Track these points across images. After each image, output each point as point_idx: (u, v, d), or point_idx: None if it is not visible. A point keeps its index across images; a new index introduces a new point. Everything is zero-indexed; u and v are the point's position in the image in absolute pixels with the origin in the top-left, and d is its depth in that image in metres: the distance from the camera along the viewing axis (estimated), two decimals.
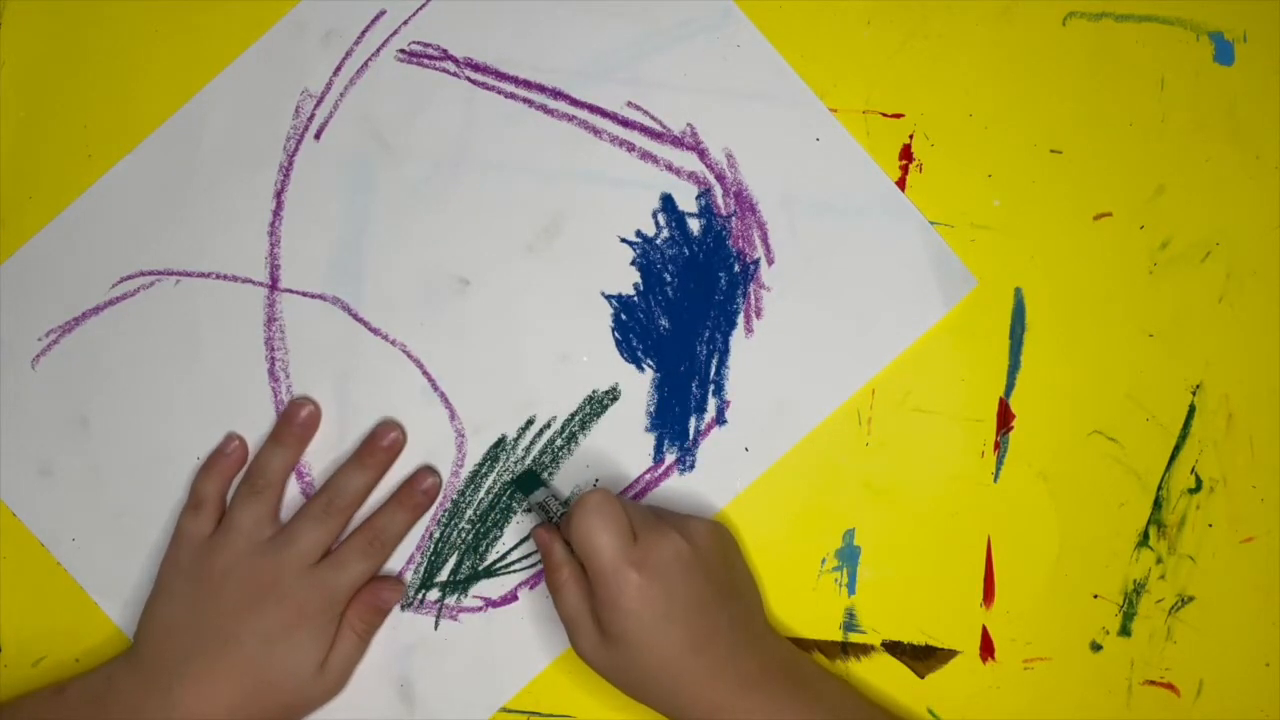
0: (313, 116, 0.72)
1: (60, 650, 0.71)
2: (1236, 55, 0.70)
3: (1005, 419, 0.70)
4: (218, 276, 0.71)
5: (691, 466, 0.70)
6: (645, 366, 0.71)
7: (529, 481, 0.69)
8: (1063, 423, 0.69)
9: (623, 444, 0.70)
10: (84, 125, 0.72)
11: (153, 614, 0.68)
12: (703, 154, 0.71)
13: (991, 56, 0.71)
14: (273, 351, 0.71)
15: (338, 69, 0.72)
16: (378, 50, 0.72)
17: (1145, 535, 0.69)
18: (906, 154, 0.71)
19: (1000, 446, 0.69)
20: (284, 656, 0.66)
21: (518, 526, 0.70)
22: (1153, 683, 0.69)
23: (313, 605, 0.66)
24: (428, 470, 0.70)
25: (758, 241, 0.71)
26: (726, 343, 0.71)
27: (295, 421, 0.70)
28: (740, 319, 0.71)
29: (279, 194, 0.71)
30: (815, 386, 0.70)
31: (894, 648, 0.69)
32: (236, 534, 0.67)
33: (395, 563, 0.70)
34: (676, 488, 0.70)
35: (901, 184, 0.70)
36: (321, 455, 0.71)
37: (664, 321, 0.71)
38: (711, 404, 0.70)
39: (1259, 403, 0.69)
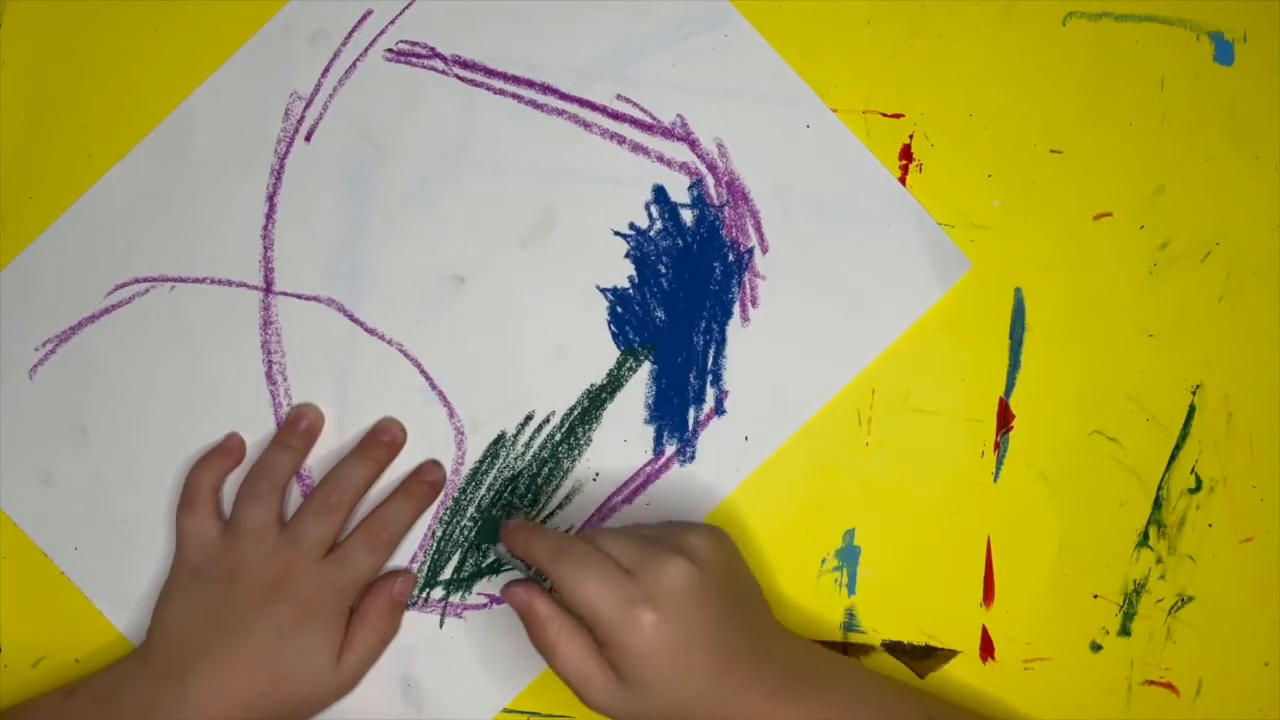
0: (303, 118, 0.70)
1: (60, 651, 0.69)
2: (1236, 55, 0.69)
3: (1005, 419, 0.68)
4: (212, 281, 0.69)
5: (692, 458, 0.68)
6: (643, 359, 0.68)
7: (494, 531, 0.67)
8: (1063, 423, 0.68)
9: (622, 437, 0.69)
10: (84, 125, 0.70)
11: (164, 612, 0.66)
12: (693, 144, 0.69)
13: (991, 56, 0.69)
14: (270, 355, 0.69)
15: (326, 70, 0.70)
16: (365, 50, 0.70)
17: (1145, 535, 0.67)
18: (906, 154, 0.69)
19: (1000, 446, 0.68)
20: (296, 651, 0.64)
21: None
22: (1152, 683, 0.67)
23: (321, 600, 0.64)
24: (432, 463, 0.68)
25: (751, 230, 0.69)
26: (723, 333, 0.69)
27: (299, 426, 0.68)
28: (736, 308, 0.69)
29: (271, 197, 0.70)
30: (814, 373, 0.68)
31: (894, 648, 0.68)
32: (243, 536, 0.65)
33: (398, 562, 0.68)
34: (677, 479, 0.68)
35: (901, 184, 0.69)
36: (321, 457, 0.69)
37: (660, 313, 0.69)
38: (710, 394, 0.69)
39: (1259, 403, 0.68)
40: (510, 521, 0.63)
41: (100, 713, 0.63)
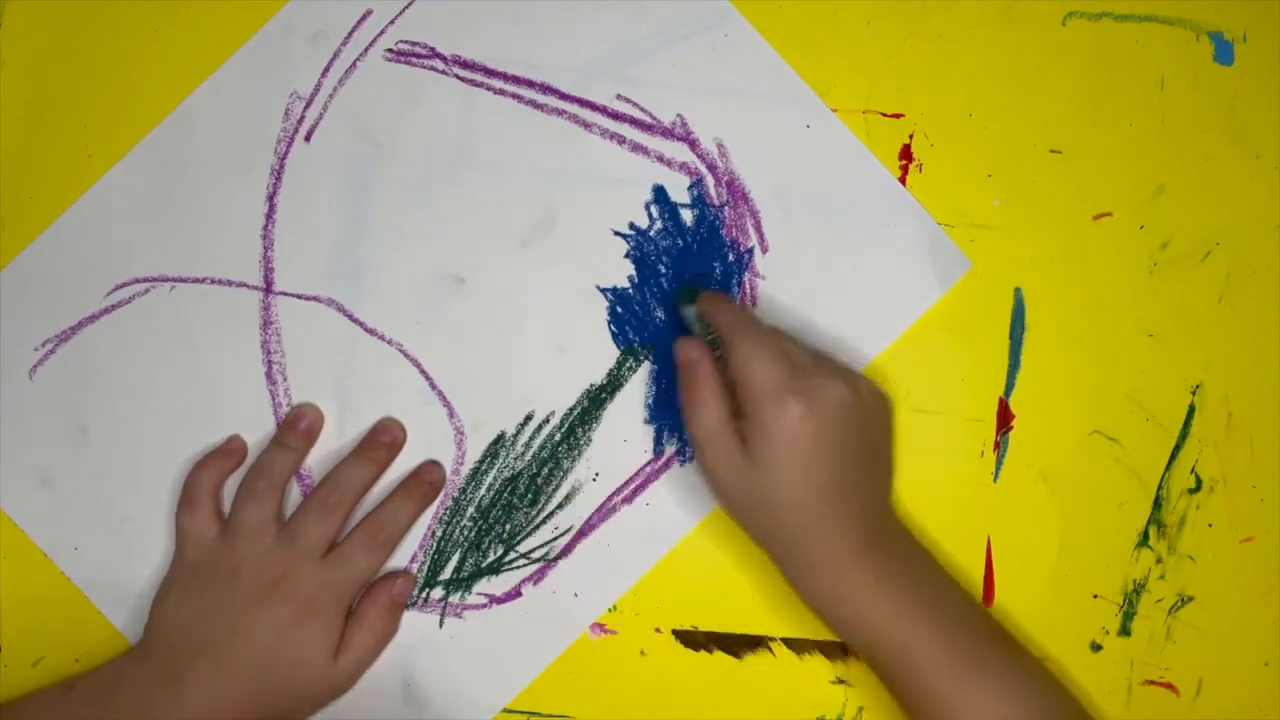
0: (303, 118, 0.70)
1: (60, 650, 0.68)
2: (1236, 55, 0.69)
3: (1005, 419, 0.68)
4: (212, 281, 0.69)
5: (692, 458, 0.68)
6: (642, 358, 0.68)
7: (691, 293, 0.67)
8: (1063, 423, 0.68)
9: (622, 436, 0.68)
10: (84, 125, 0.70)
11: (162, 610, 0.65)
12: (693, 144, 0.69)
13: (991, 56, 0.69)
14: (269, 355, 0.69)
15: (326, 70, 0.70)
16: (365, 50, 0.70)
17: (1145, 535, 0.67)
18: (906, 154, 0.69)
19: (1000, 446, 0.68)
20: (293, 650, 0.64)
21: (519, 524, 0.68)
22: (1152, 683, 0.67)
23: (320, 599, 0.64)
24: (432, 463, 0.68)
25: (751, 230, 0.69)
26: None
27: (299, 426, 0.67)
28: None
29: (271, 197, 0.69)
30: None
31: None
32: (241, 535, 0.65)
33: (398, 562, 0.68)
34: (677, 479, 0.68)
35: (901, 184, 0.68)
36: (321, 457, 0.68)
37: (660, 313, 0.68)
38: None
39: (1259, 403, 0.68)
40: (711, 291, 0.66)
41: (99, 708, 0.63)
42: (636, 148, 0.69)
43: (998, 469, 0.67)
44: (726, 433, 0.61)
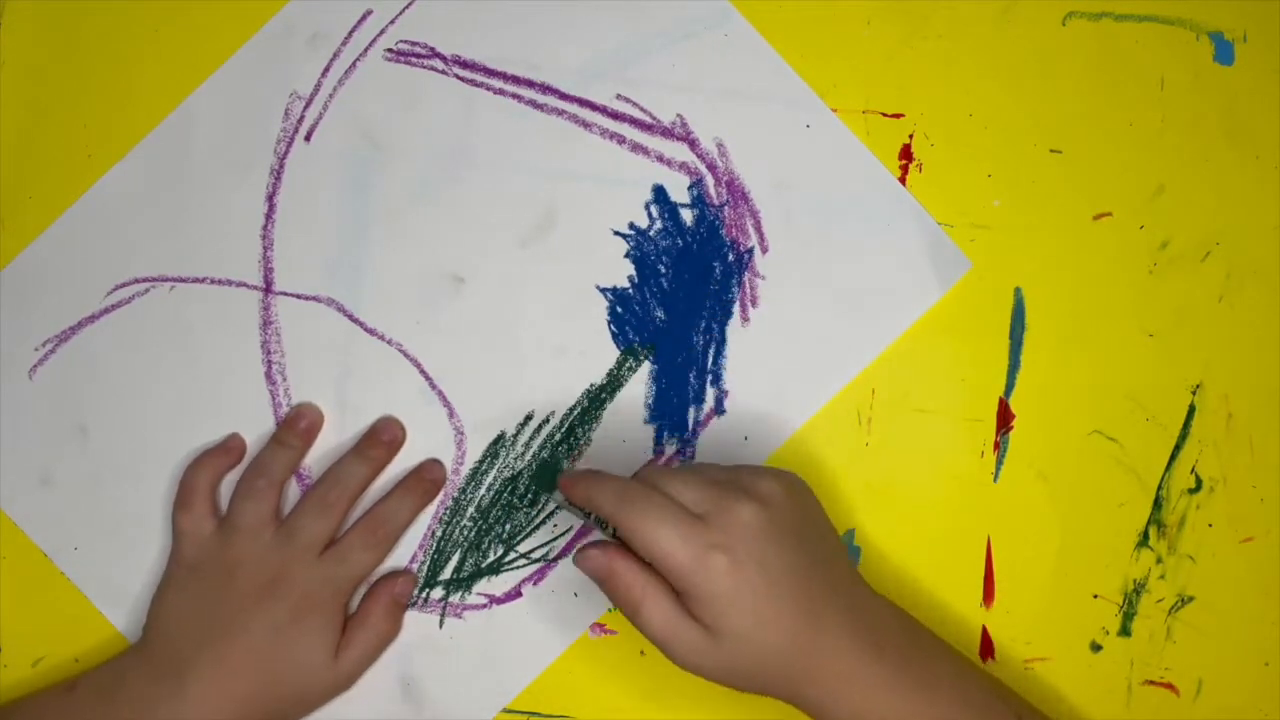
0: (302, 118, 0.70)
1: (60, 650, 0.68)
2: (1236, 55, 0.69)
3: (1005, 419, 0.67)
4: (212, 281, 0.69)
5: (692, 457, 0.68)
6: (642, 358, 0.68)
7: (549, 478, 0.66)
8: (1063, 423, 0.67)
9: (622, 437, 0.68)
10: (84, 125, 0.70)
11: (161, 608, 0.65)
12: (693, 144, 0.69)
13: (991, 56, 0.69)
14: (269, 355, 0.69)
15: (326, 70, 0.70)
16: (365, 50, 0.70)
17: (1145, 535, 0.67)
18: (906, 154, 0.68)
19: (1000, 446, 0.67)
20: (293, 647, 0.63)
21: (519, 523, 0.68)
22: (1152, 683, 0.67)
23: (318, 596, 0.64)
24: (433, 461, 0.68)
25: (751, 230, 0.69)
26: (723, 332, 0.68)
27: (299, 425, 0.67)
28: (736, 308, 0.68)
29: (271, 197, 0.69)
30: (814, 373, 0.68)
31: None
32: (239, 533, 0.65)
33: (398, 562, 0.68)
34: None
35: (901, 184, 0.68)
36: (321, 456, 0.68)
37: (660, 313, 0.68)
38: (710, 394, 0.68)
39: (1259, 403, 0.67)
40: (568, 471, 0.63)
41: (101, 707, 0.63)
42: (636, 148, 0.69)
43: (998, 469, 0.67)
44: (679, 624, 0.57)
